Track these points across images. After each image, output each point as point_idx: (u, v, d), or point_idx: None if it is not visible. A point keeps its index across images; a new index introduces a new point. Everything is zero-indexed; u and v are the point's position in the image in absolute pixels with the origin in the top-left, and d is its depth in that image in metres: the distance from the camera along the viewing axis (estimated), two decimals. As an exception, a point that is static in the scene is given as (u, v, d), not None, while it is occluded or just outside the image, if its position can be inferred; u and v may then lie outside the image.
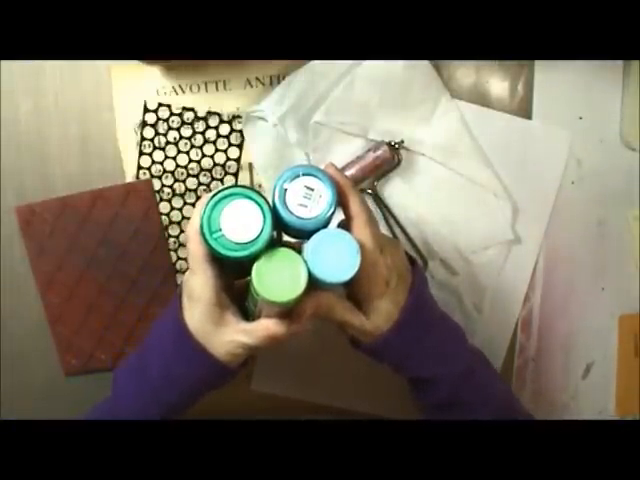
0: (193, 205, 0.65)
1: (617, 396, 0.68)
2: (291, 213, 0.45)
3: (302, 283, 0.44)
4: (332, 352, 0.60)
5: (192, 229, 0.46)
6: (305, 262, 0.45)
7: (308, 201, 0.46)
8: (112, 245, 0.64)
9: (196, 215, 0.46)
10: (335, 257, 0.45)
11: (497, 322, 0.66)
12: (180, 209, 0.65)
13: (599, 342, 0.68)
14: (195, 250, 0.47)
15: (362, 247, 0.46)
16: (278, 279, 0.44)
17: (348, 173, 0.62)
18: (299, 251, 0.46)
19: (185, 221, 0.65)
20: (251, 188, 0.45)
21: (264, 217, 0.44)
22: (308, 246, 0.45)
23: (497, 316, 0.66)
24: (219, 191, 0.45)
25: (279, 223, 0.46)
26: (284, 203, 0.45)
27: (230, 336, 0.48)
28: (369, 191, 0.64)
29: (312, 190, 0.46)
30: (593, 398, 0.68)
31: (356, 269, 0.45)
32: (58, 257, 0.64)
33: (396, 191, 0.65)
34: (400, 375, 0.54)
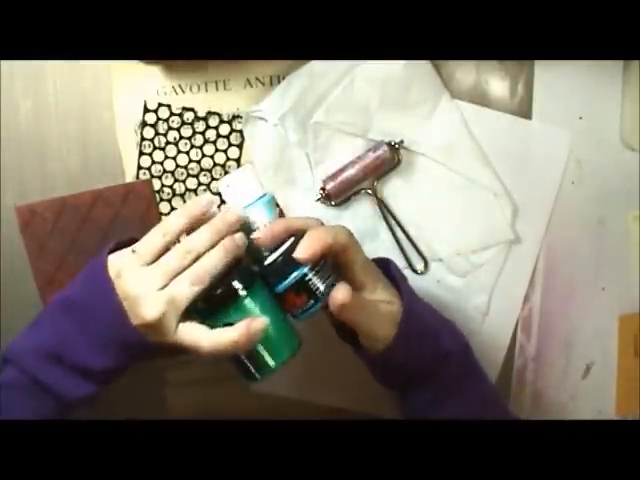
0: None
1: (617, 396, 0.68)
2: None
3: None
4: (332, 352, 0.60)
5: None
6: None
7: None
8: (112, 245, 0.64)
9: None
10: None
11: (497, 322, 0.66)
12: (180, 209, 0.65)
13: (599, 342, 0.68)
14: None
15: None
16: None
17: (348, 173, 0.62)
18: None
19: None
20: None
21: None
22: None
23: (497, 316, 0.66)
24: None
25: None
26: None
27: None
28: (369, 191, 0.64)
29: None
30: (593, 398, 0.68)
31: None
32: (58, 257, 0.64)
33: (396, 191, 0.64)
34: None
